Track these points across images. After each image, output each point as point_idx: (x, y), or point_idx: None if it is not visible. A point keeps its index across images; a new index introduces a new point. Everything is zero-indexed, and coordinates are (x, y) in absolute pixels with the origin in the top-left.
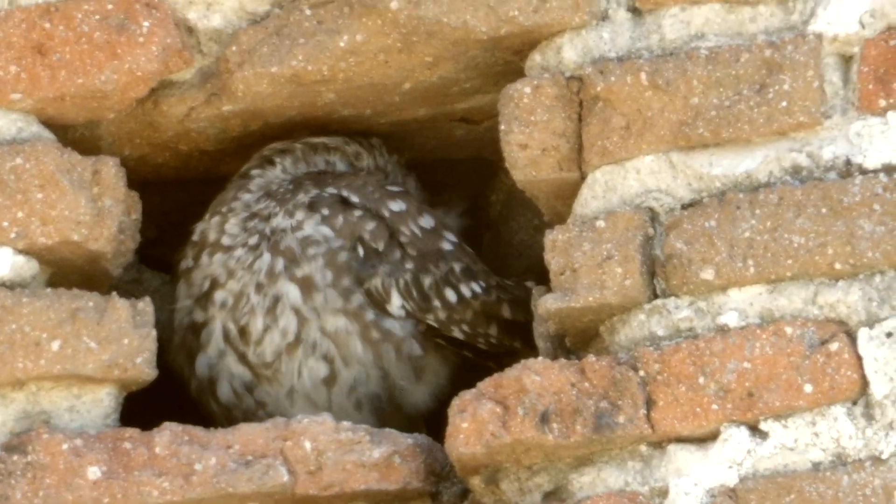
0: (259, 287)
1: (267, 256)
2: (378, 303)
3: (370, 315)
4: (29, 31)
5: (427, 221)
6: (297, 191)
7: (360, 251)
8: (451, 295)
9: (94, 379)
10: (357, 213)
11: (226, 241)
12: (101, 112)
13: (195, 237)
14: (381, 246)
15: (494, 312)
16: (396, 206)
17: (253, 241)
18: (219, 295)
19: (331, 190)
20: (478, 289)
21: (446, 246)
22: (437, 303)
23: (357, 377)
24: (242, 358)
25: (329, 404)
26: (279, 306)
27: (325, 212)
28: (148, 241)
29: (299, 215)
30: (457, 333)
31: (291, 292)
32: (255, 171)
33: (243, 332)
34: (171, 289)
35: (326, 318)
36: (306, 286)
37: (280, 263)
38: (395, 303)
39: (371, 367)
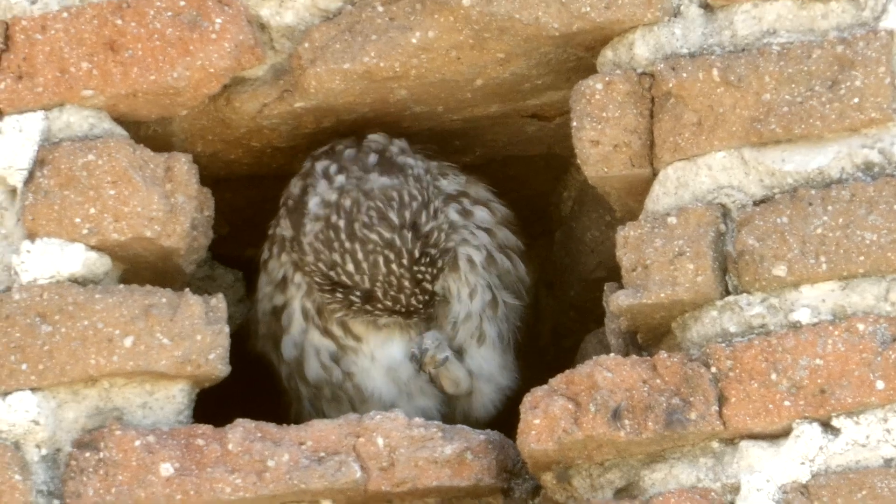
0: None
1: None
2: None
3: None
4: (101, 28)
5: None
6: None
7: None
8: None
9: (167, 375)
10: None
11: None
12: (173, 109)
13: (270, 231)
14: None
15: None
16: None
17: None
18: (296, 277)
19: None
20: None
21: None
22: None
23: None
24: (325, 331)
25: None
26: None
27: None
28: (220, 237)
29: None
30: None
31: None
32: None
33: (320, 310)
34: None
35: None
36: None
37: None
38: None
39: None
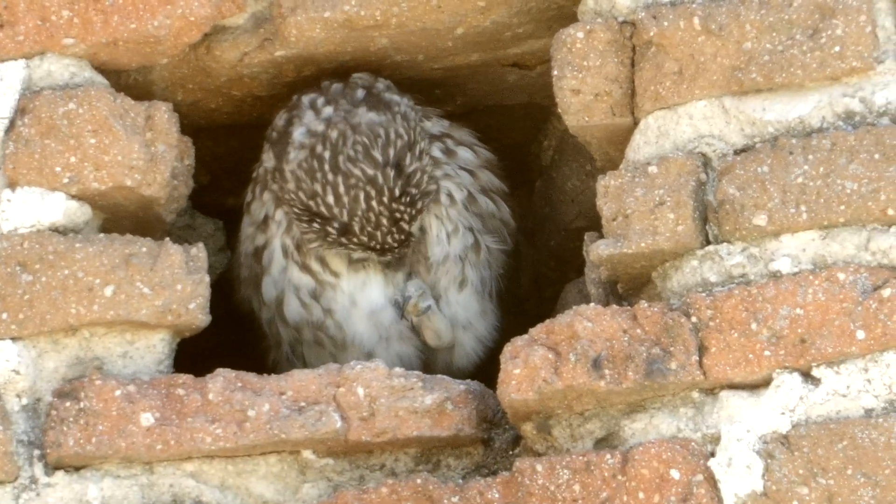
0: None
1: None
2: None
3: None
4: None
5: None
6: None
7: None
8: None
9: (148, 325)
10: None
11: None
12: (153, 57)
13: (254, 174)
14: None
15: None
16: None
17: None
18: (277, 214)
19: None
20: None
21: None
22: None
23: None
24: (304, 267)
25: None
26: None
27: None
28: (201, 186)
29: None
30: None
31: None
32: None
33: (299, 246)
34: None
35: None
36: None
37: None
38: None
39: None
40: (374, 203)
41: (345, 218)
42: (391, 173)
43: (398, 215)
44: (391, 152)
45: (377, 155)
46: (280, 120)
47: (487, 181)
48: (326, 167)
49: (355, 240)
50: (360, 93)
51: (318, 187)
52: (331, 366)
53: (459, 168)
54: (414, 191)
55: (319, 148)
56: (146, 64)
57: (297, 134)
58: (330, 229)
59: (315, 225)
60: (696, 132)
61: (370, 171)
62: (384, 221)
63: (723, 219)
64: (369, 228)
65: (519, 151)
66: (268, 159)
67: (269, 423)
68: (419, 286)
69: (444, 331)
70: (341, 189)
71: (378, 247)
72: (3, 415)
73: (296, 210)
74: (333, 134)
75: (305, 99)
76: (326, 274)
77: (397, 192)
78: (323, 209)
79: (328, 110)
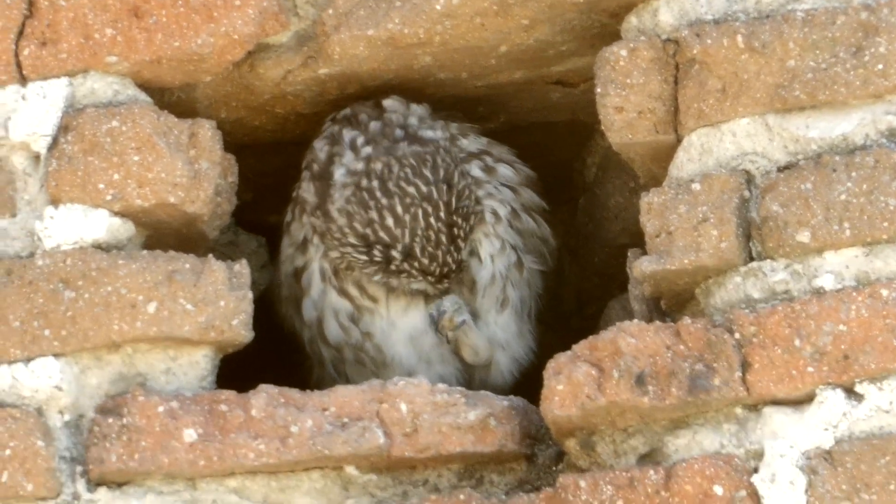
0: None
1: None
2: None
3: None
4: None
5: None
6: None
7: None
8: None
9: (191, 341)
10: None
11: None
12: (197, 75)
13: (294, 194)
14: None
15: None
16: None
17: None
18: (315, 238)
19: None
20: None
21: None
22: None
23: None
24: (342, 292)
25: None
26: None
27: None
28: (244, 203)
29: None
30: None
31: None
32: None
33: (336, 271)
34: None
35: None
36: None
37: None
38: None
39: None
40: (432, 220)
41: (406, 239)
42: (444, 187)
43: (455, 230)
44: (441, 171)
45: (428, 173)
46: (321, 153)
47: (528, 199)
48: (378, 194)
49: (416, 264)
50: (399, 132)
51: (373, 214)
52: (374, 382)
53: (501, 185)
54: (464, 206)
55: (365, 182)
56: (189, 82)
57: (338, 175)
58: (394, 253)
59: (376, 254)
60: (740, 149)
61: (424, 189)
62: (443, 239)
63: (766, 235)
64: (430, 248)
65: (562, 168)
66: (308, 191)
67: (312, 439)
68: (454, 301)
69: (481, 347)
70: (399, 210)
71: (438, 270)
72: (46, 431)
73: (350, 245)
74: (377, 166)
75: (346, 136)
76: (364, 299)
77: (454, 205)
78: (382, 234)
79: (368, 150)
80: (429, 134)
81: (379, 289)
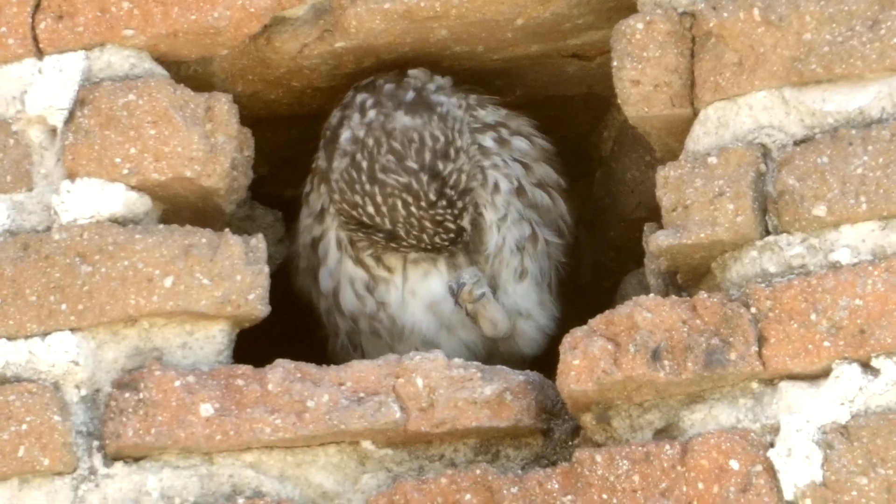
0: None
1: None
2: None
3: None
4: None
5: None
6: None
7: None
8: None
9: (207, 315)
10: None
11: None
12: (213, 48)
13: (313, 165)
14: None
15: None
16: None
17: None
18: (332, 207)
19: None
20: None
21: None
22: None
23: None
24: (358, 261)
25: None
26: None
27: None
28: (260, 177)
29: None
30: None
31: None
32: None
33: (352, 240)
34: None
35: None
36: None
37: None
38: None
39: None
40: (412, 209)
41: (388, 226)
42: (425, 178)
43: (439, 218)
44: (426, 156)
45: (411, 163)
46: (334, 119)
47: (544, 175)
48: (364, 177)
49: (404, 243)
50: (410, 95)
51: (357, 198)
52: (390, 356)
53: (513, 159)
54: (451, 192)
55: (359, 157)
56: (206, 55)
57: (343, 139)
58: (376, 237)
59: (361, 233)
60: (756, 123)
61: (403, 179)
62: (427, 224)
63: (782, 209)
64: (414, 232)
65: (579, 142)
66: (321, 158)
67: (328, 414)
68: (474, 273)
69: (500, 320)
70: (379, 199)
71: (429, 247)
72: (63, 406)
73: (342, 218)
74: (370, 141)
75: (358, 99)
76: (380, 269)
77: (433, 197)
78: (366, 219)
79: (371, 114)
80: (440, 98)
81: (396, 258)
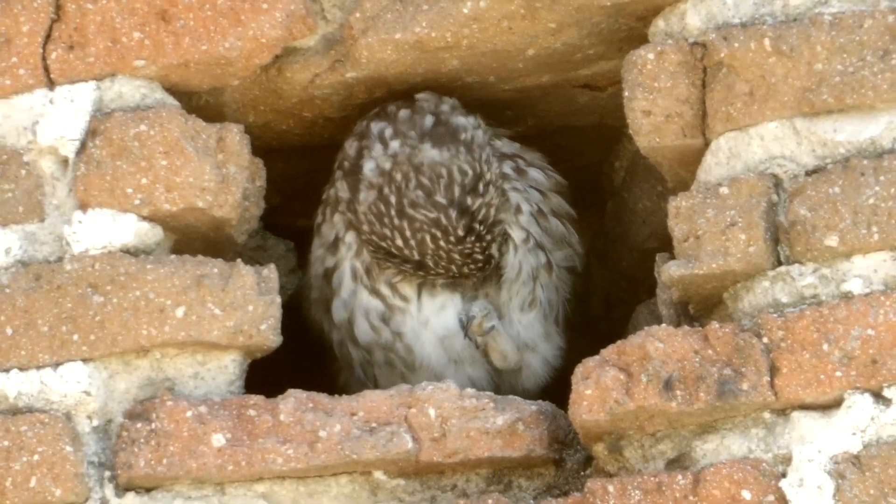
0: None
1: None
2: None
3: None
4: None
5: None
6: None
7: None
8: None
9: (219, 345)
10: None
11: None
12: (225, 79)
13: (324, 196)
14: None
15: None
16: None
17: None
18: (347, 237)
19: None
20: None
21: None
22: None
23: None
24: (373, 291)
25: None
26: None
27: None
28: (272, 207)
29: None
30: None
31: None
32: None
33: (368, 270)
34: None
35: None
36: None
37: None
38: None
39: None
40: (441, 243)
41: (416, 257)
42: (454, 214)
43: (467, 251)
44: (455, 192)
45: (439, 198)
46: (351, 149)
47: (557, 204)
48: (393, 212)
49: (432, 272)
50: (428, 120)
51: (386, 231)
52: (402, 386)
53: (530, 186)
54: (479, 227)
55: (387, 190)
56: (217, 85)
57: (367, 170)
58: (404, 267)
59: (390, 263)
60: (768, 153)
61: (432, 215)
62: (455, 257)
63: (794, 239)
64: (443, 263)
65: (590, 172)
66: (342, 189)
67: (340, 444)
68: (484, 306)
69: (510, 352)
70: (407, 233)
71: (456, 275)
72: (74, 436)
73: (371, 248)
74: (398, 176)
75: (374, 128)
76: (396, 298)
77: (461, 233)
78: (394, 251)
79: (395, 144)
80: (461, 121)
81: (411, 288)
